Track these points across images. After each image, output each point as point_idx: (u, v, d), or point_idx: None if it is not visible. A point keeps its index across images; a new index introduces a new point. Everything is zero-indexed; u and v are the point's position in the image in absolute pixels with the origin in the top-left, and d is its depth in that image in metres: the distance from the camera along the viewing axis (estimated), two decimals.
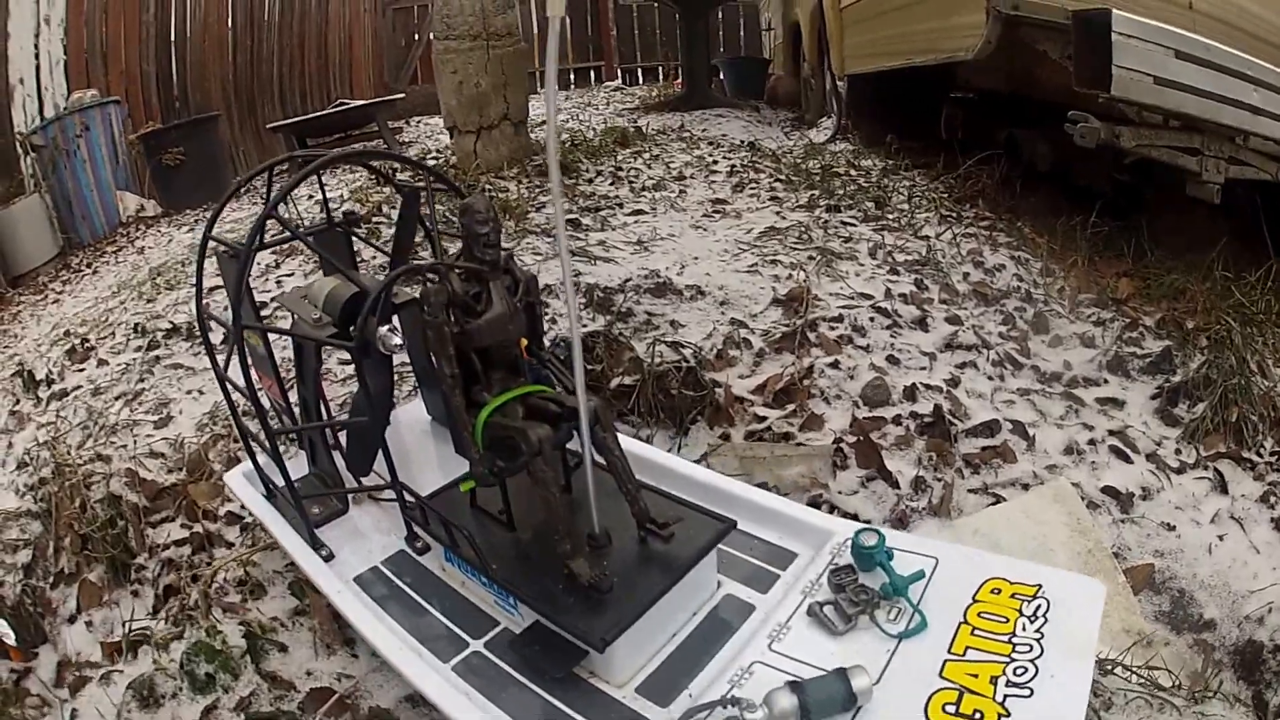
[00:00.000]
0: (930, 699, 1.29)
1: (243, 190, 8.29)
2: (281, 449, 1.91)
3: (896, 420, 2.57)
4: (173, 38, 9.31)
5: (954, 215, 3.95)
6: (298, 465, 2.07)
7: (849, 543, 1.57)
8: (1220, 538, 2.44)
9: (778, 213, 4.08)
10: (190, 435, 2.88)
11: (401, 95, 10.11)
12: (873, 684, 1.30)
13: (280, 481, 1.85)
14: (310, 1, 10.88)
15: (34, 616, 2.37)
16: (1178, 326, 3.17)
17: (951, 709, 1.27)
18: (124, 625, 2.25)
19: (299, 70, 10.89)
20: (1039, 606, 1.42)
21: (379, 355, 1.68)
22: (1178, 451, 2.69)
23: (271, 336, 1.95)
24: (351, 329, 1.69)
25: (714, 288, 3.11)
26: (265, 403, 1.94)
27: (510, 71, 5.31)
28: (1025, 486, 2.46)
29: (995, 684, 1.30)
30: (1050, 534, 2.29)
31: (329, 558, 1.79)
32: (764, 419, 2.56)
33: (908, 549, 1.57)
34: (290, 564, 2.19)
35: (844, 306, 3.02)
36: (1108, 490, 2.49)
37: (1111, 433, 2.70)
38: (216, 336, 3.13)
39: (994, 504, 2.39)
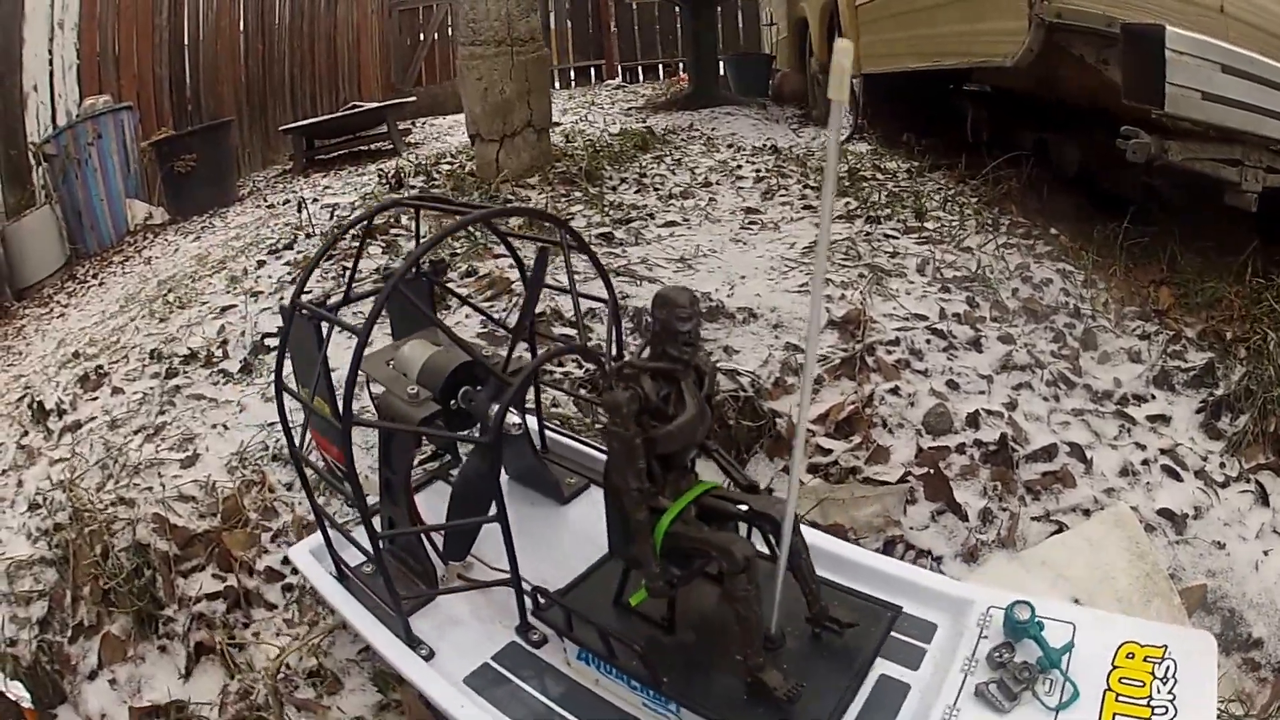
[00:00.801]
0: None
1: (246, 193, 8.38)
2: (341, 518, 1.91)
3: (960, 449, 2.61)
4: (185, 41, 9.35)
5: (991, 224, 3.98)
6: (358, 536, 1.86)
7: (997, 614, 1.58)
8: (1265, 553, 2.51)
9: (816, 224, 4.10)
10: (220, 478, 2.70)
11: (413, 98, 10.18)
12: None
13: (353, 560, 1.79)
14: (320, 4, 10.93)
15: (51, 675, 2.24)
16: (1218, 338, 3.22)
17: None
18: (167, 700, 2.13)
19: (309, 72, 10.94)
20: (1168, 668, 1.47)
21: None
22: (1222, 465, 2.75)
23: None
24: (453, 403, 1.64)
25: (765, 309, 3.14)
26: (314, 465, 1.90)
27: (534, 78, 5.33)
28: (1086, 512, 2.50)
29: None
30: (1112, 560, 2.32)
31: (429, 656, 1.66)
32: (829, 451, 2.59)
33: (1049, 617, 1.57)
34: (366, 648, 2.05)
35: (899, 329, 3.05)
36: (1162, 512, 2.55)
37: (1163, 451, 2.75)
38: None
39: (1056, 532, 2.44)
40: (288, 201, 7.14)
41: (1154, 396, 2.98)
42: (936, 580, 1.76)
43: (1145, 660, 1.48)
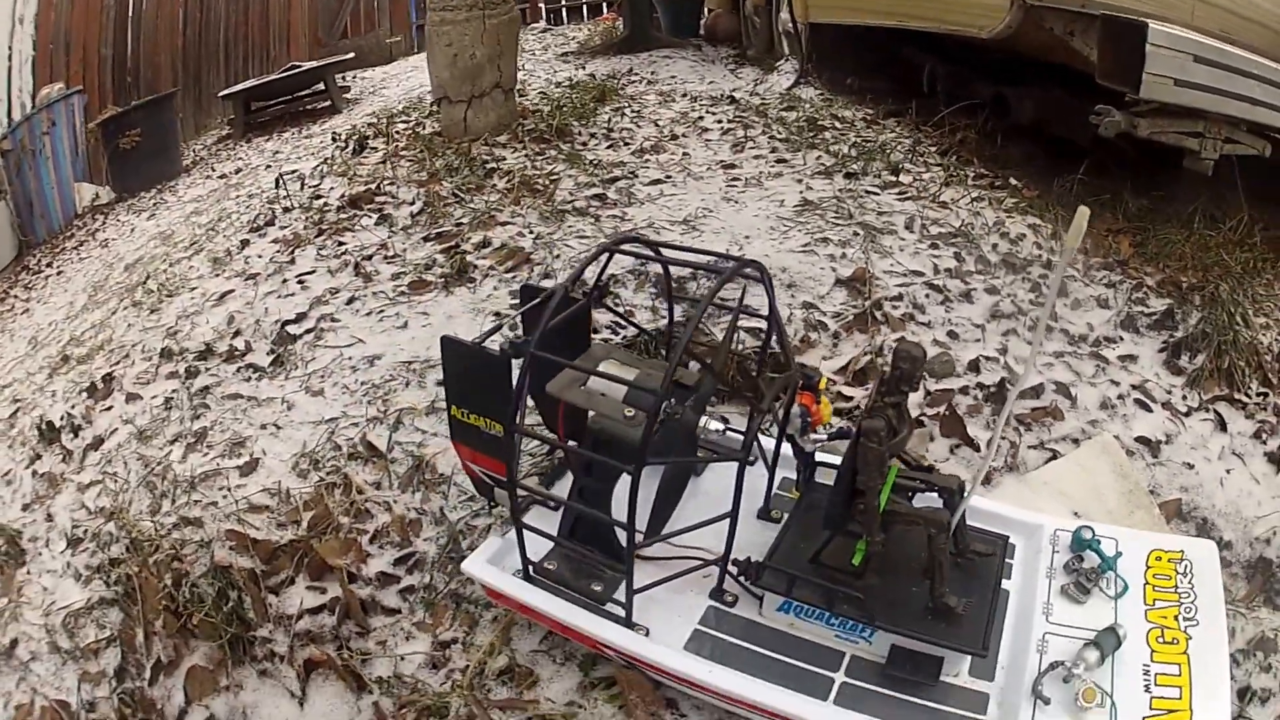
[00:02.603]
0: (1148, 634, 1.86)
1: (190, 163, 8.32)
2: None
3: (965, 390, 2.93)
4: (130, 16, 9.27)
5: (959, 178, 4.29)
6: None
7: (1062, 535, 2.09)
8: (1228, 471, 2.90)
9: (798, 180, 4.36)
10: (291, 483, 2.66)
11: (352, 54, 10.09)
12: (1125, 630, 1.82)
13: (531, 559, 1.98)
14: None
15: None
16: (1176, 286, 3.60)
17: (1159, 639, 1.85)
18: None
19: (243, 35, 10.84)
20: (1186, 566, 2.00)
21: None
22: (1184, 398, 3.13)
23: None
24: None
25: (777, 269, 3.38)
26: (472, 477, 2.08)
27: (505, 40, 5.40)
28: (1075, 441, 2.85)
29: (1178, 620, 1.88)
30: (1101, 480, 2.69)
31: (648, 634, 1.91)
32: (849, 398, 2.87)
33: (1102, 535, 2.06)
34: (548, 634, 2.16)
35: (900, 285, 3.34)
36: (1139, 439, 2.91)
37: (1134, 387, 3.11)
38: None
39: (1052, 458, 2.79)
40: (239, 171, 7.12)
41: (1122, 339, 3.34)
42: (1014, 512, 2.23)
43: (1169, 562, 2.03)
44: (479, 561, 2.06)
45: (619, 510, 1.83)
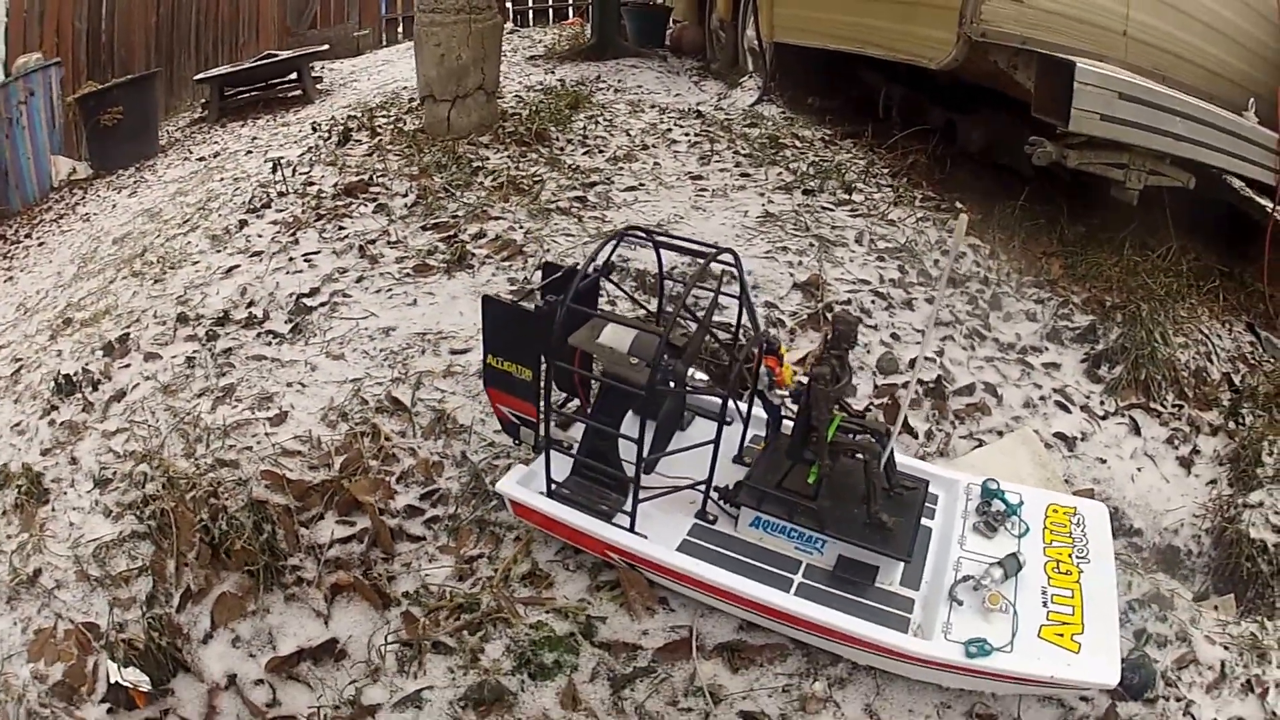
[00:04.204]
0: (1045, 565, 2.30)
1: (165, 144, 8.42)
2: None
3: (905, 385, 3.26)
4: None
5: (907, 199, 4.65)
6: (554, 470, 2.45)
7: (974, 487, 2.56)
8: (1139, 469, 3.32)
9: (760, 194, 4.70)
10: (321, 432, 2.92)
11: (325, 46, 10.20)
12: (1025, 558, 2.27)
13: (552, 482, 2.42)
14: None
15: (166, 650, 2.28)
16: (1099, 305, 4.01)
17: (1055, 570, 2.29)
18: (381, 644, 2.31)
19: (213, 19, 10.93)
20: (1079, 519, 2.47)
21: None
22: (1102, 403, 3.53)
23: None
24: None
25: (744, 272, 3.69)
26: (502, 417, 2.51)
27: (489, 44, 5.68)
28: (999, 433, 3.24)
29: (1071, 557, 2.33)
30: (1021, 467, 3.06)
31: (647, 538, 2.33)
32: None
33: (1006, 489, 2.53)
34: (562, 548, 2.52)
35: (849, 291, 3.71)
36: (1057, 435, 3.32)
37: (1055, 390, 3.51)
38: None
39: (978, 447, 3.17)
40: (217, 154, 7.26)
41: (1048, 348, 3.74)
42: (936, 469, 2.72)
43: (1065, 514, 2.50)
44: (510, 482, 2.46)
45: (622, 451, 2.40)
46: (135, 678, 2.21)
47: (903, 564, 2.29)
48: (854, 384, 2.52)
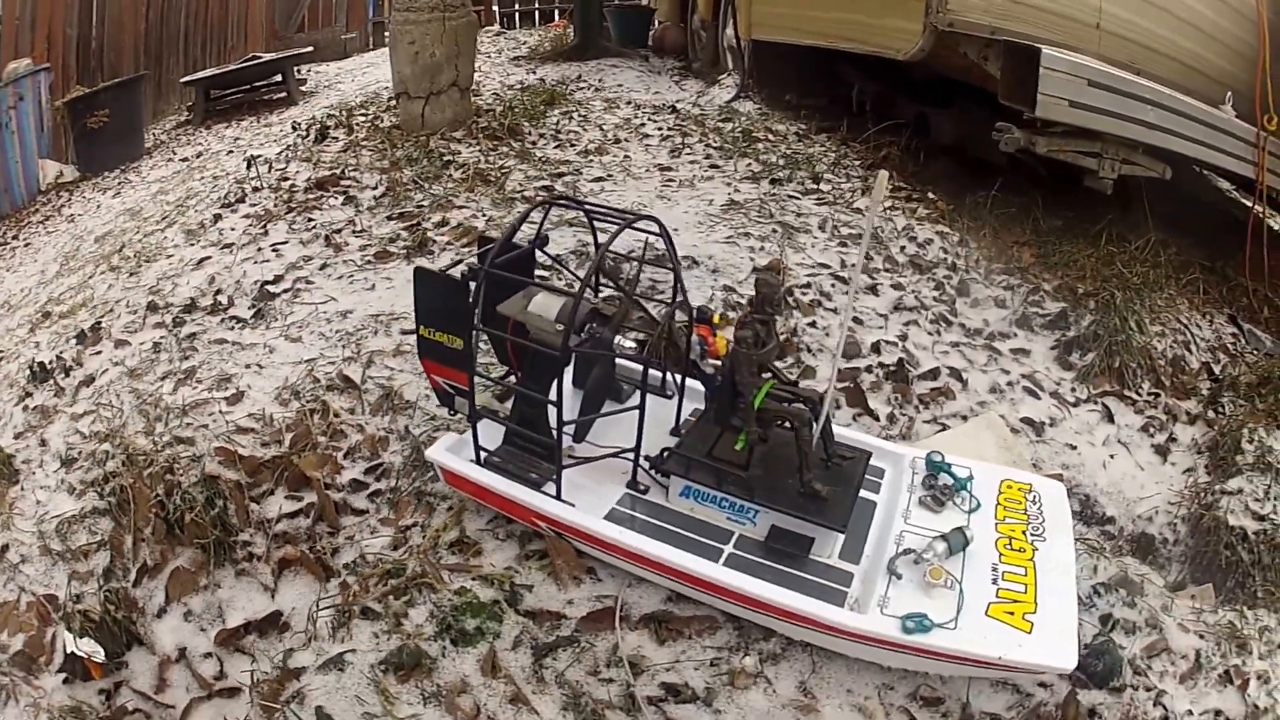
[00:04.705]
0: (997, 541, 2.22)
1: (151, 146, 8.42)
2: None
3: (868, 369, 3.22)
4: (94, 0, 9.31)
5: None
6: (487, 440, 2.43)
7: (922, 460, 2.46)
8: (1112, 456, 3.23)
9: (727, 184, 4.64)
10: (274, 410, 2.94)
11: (310, 48, 10.22)
12: (973, 533, 2.17)
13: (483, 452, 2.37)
14: None
15: (121, 622, 2.29)
16: (1071, 292, 3.91)
17: (1008, 546, 2.21)
18: (312, 611, 2.29)
19: (203, 22, 10.92)
20: (1035, 497, 2.40)
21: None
22: (1074, 390, 3.44)
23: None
24: (583, 334, 2.30)
25: (704, 257, 3.66)
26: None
27: (463, 42, 5.66)
28: (964, 417, 3.15)
29: (1025, 535, 2.25)
30: (986, 450, 2.95)
31: (573, 506, 2.28)
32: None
33: (954, 463, 2.44)
34: (494, 518, 2.48)
35: (809, 275, 3.64)
36: (1025, 420, 3.22)
37: (1024, 376, 3.42)
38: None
39: (942, 430, 3.07)
40: (200, 155, 7.28)
41: (1016, 334, 3.65)
42: (882, 442, 2.61)
43: (1020, 491, 2.40)
44: (440, 449, 2.42)
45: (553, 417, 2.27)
46: (90, 648, 2.23)
47: (841, 537, 2.21)
48: (780, 348, 2.40)
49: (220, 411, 2.96)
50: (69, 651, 2.24)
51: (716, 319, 2.37)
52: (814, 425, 2.23)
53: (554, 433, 2.28)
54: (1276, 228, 4.79)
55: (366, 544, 2.50)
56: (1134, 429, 3.36)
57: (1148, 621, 2.35)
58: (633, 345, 2.40)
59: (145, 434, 2.90)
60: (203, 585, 2.41)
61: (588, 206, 2.41)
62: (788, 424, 2.22)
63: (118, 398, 3.20)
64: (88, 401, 3.25)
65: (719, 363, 2.39)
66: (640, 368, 2.32)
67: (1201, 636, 2.37)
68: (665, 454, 2.39)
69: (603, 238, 2.31)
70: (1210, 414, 3.50)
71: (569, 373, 2.62)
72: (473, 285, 2.22)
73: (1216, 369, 3.78)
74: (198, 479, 2.60)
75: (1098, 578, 2.45)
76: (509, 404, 2.58)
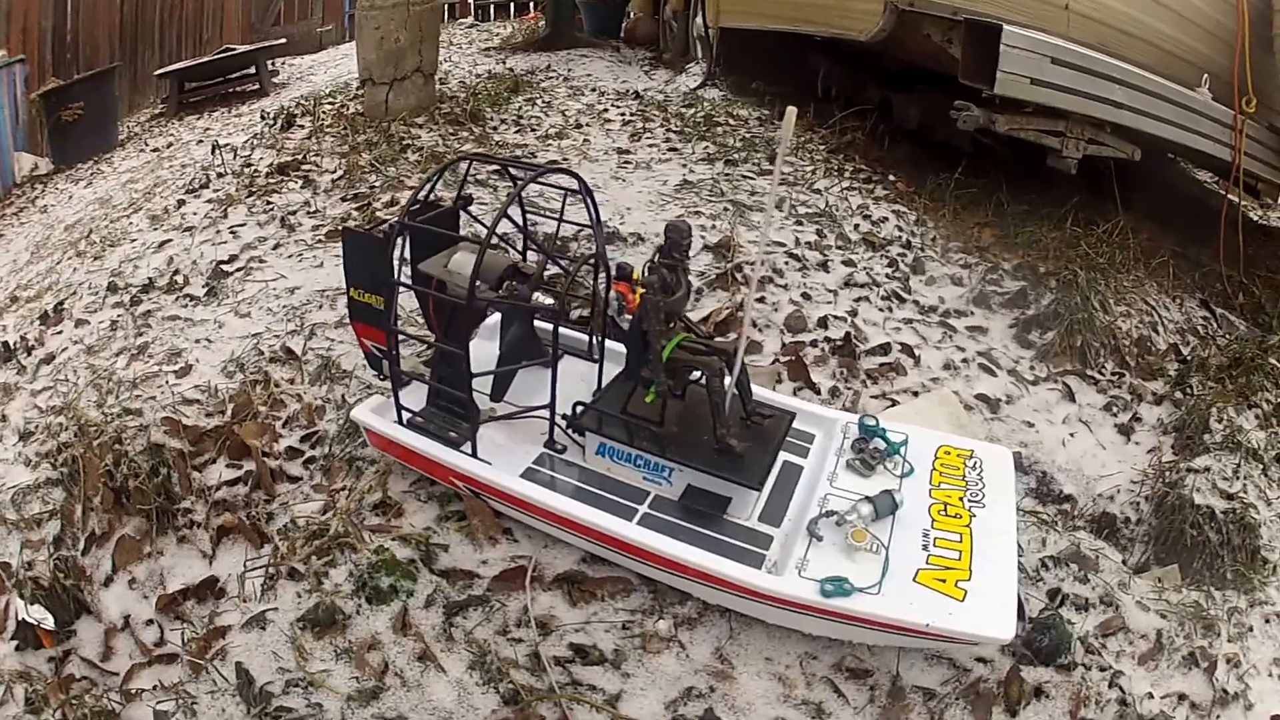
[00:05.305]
0: (930, 507, 2.16)
1: (125, 137, 8.36)
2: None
3: (814, 344, 3.14)
4: None
5: (836, 170, 4.51)
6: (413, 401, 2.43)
7: (854, 424, 2.42)
8: (1071, 435, 3.14)
9: (683, 165, 4.58)
10: (219, 381, 2.99)
11: (283, 40, 10.17)
12: (903, 497, 2.13)
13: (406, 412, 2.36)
14: None
15: (70, 590, 2.31)
16: (1032, 271, 3.82)
17: (942, 513, 2.15)
18: (244, 573, 2.31)
19: (178, 15, 10.85)
20: (975, 464, 2.31)
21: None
22: (1032, 368, 3.35)
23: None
24: (502, 290, 2.28)
25: (652, 235, 3.59)
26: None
27: (426, 28, 5.62)
28: (915, 394, 3.05)
29: (962, 501, 2.18)
30: (937, 425, 2.85)
31: (490, 464, 2.26)
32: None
33: (888, 427, 2.38)
34: (418, 480, 2.48)
35: (762, 252, 3.52)
36: (979, 397, 3.14)
37: (980, 353, 3.34)
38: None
39: (891, 406, 2.98)
40: (170, 145, 7.25)
41: (973, 312, 3.57)
42: (814, 406, 2.58)
43: (958, 457, 2.31)
44: (364, 410, 2.43)
45: (479, 383, 2.29)
46: (40, 615, 2.25)
47: (760, 498, 2.16)
48: (691, 296, 2.44)
49: (168, 384, 3.01)
50: (20, 619, 2.26)
51: (636, 275, 2.26)
52: (727, 377, 2.17)
53: (477, 394, 2.27)
54: (1254, 217, 4.71)
55: (299, 509, 2.51)
56: (1096, 408, 3.27)
57: (1102, 598, 2.28)
58: (550, 302, 2.36)
59: (97, 406, 2.95)
60: (146, 553, 2.42)
61: (503, 161, 2.41)
62: (698, 378, 2.17)
63: (74, 373, 3.26)
64: (47, 378, 3.32)
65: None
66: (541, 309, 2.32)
67: (1164, 616, 2.29)
68: (578, 409, 2.34)
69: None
70: (1178, 395, 3.40)
71: (496, 336, 2.57)
72: (396, 243, 2.20)
73: (1185, 350, 3.70)
74: (144, 448, 2.64)
75: (1046, 550, 2.38)
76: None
